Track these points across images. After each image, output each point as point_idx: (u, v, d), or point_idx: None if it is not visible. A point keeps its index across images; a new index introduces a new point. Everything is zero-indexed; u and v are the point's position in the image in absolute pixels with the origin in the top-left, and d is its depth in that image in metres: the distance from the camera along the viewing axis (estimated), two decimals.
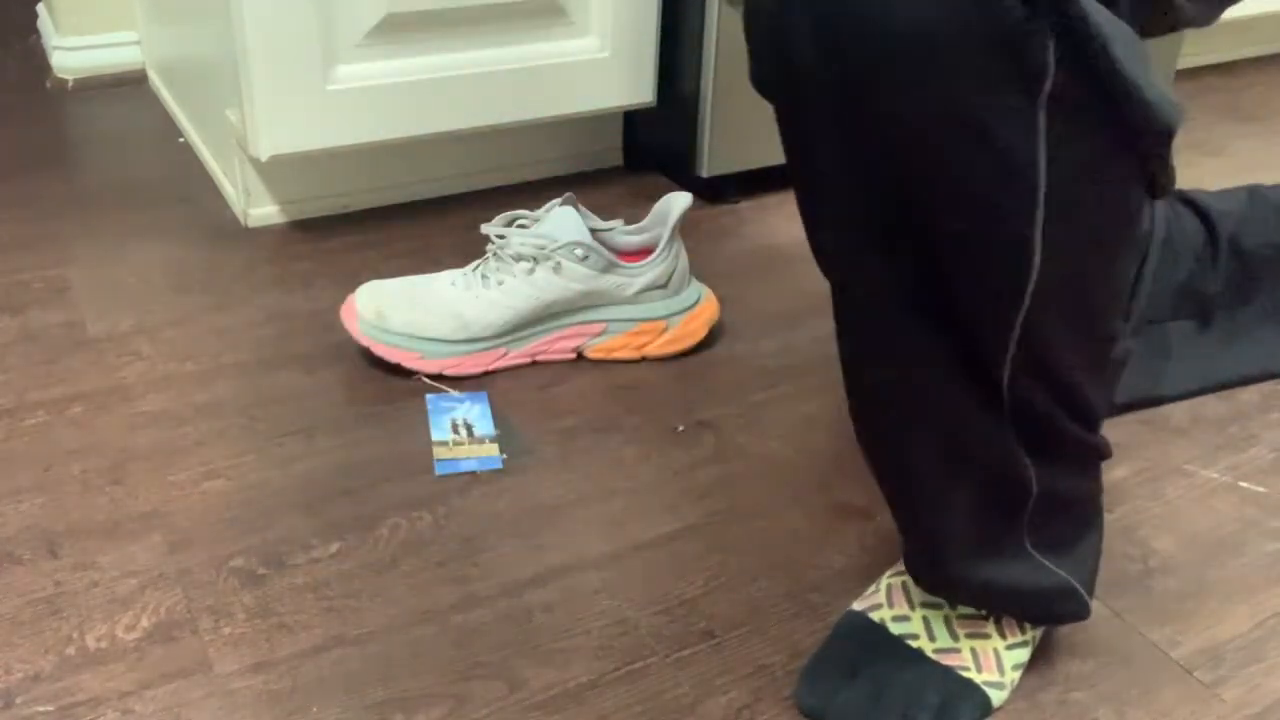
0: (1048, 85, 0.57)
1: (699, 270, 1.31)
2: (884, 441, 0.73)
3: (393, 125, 1.33)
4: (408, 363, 1.11)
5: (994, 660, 0.80)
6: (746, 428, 1.07)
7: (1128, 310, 1.10)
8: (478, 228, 1.16)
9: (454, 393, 1.10)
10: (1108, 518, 0.94)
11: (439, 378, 1.12)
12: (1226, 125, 1.83)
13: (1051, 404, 0.71)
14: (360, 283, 1.16)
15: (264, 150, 1.27)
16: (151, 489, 0.97)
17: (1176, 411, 1.12)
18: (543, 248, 1.10)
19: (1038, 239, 0.61)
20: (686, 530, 0.95)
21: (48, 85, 1.78)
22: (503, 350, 1.13)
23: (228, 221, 1.41)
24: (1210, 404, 1.13)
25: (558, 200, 1.13)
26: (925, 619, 0.82)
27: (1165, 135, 0.61)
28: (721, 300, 1.24)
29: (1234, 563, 0.94)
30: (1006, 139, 0.58)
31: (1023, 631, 0.82)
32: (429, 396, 1.09)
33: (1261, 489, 1.02)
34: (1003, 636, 0.81)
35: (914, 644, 0.81)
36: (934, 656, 0.81)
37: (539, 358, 1.15)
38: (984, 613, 0.82)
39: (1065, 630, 0.86)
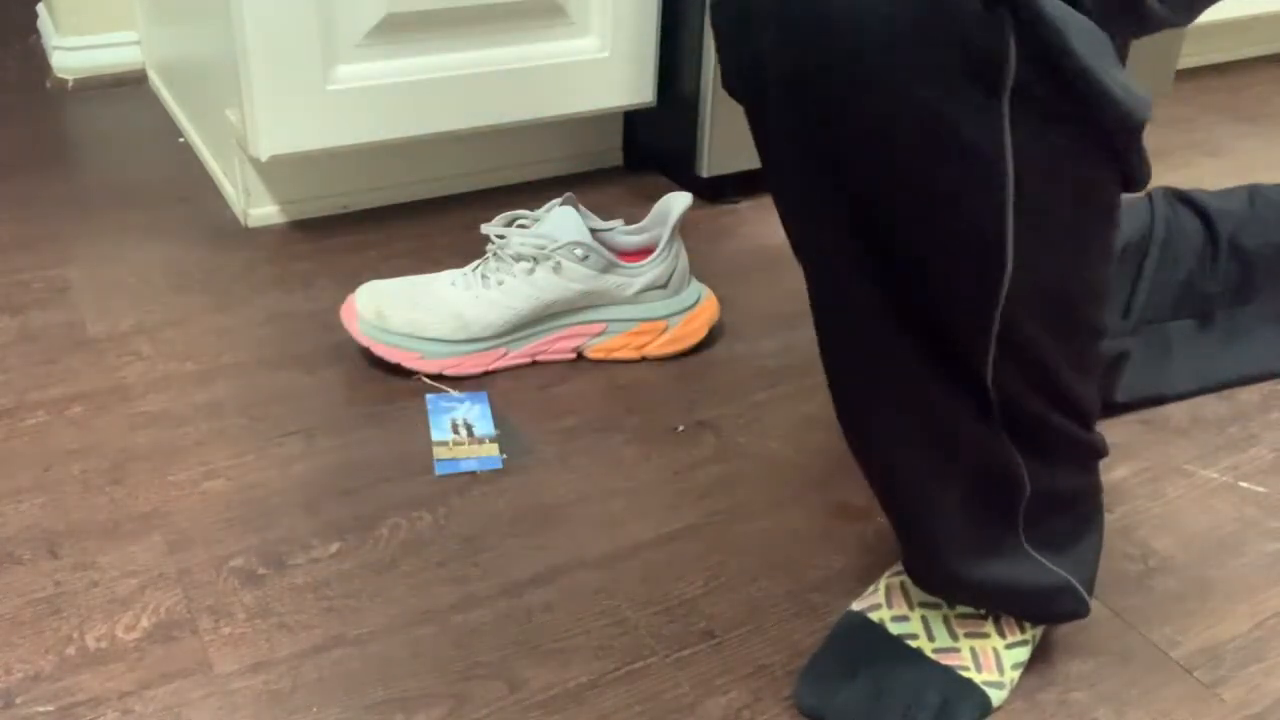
0: (1009, 79, 0.57)
1: (699, 270, 1.31)
2: (867, 438, 0.73)
3: (393, 125, 1.33)
4: (408, 363, 1.11)
5: (993, 660, 0.80)
6: (746, 428, 1.07)
7: (1126, 308, 1.10)
8: (478, 228, 1.16)
9: (454, 393, 1.10)
10: (1108, 518, 0.93)
11: (439, 378, 1.12)
12: (1226, 125, 1.83)
13: (1040, 400, 0.70)
14: (360, 283, 1.16)
15: (264, 150, 1.27)
16: (151, 489, 0.97)
17: (1176, 411, 1.12)
18: (543, 248, 1.10)
19: (1010, 234, 0.61)
20: (686, 530, 0.95)
21: (48, 85, 1.78)
22: (503, 350, 1.13)
23: (228, 221, 1.41)
24: (1210, 404, 1.13)
25: (558, 200, 1.13)
26: (924, 619, 0.82)
27: (1132, 128, 0.61)
28: (721, 300, 1.24)
29: (1234, 563, 0.94)
30: (971, 134, 0.58)
31: (1022, 631, 0.82)
32: (429, 396, 1.09)
33: (1261, 489, 1.02)
34: (1002, 636, 0.81)
35: (913, 644, 0.81)
36: (933, 656, 0.81)
37: (539, 358, 1.15)
38: (983, 612, 0.82)
39: (1065, 630, 0.86)
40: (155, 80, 1.78)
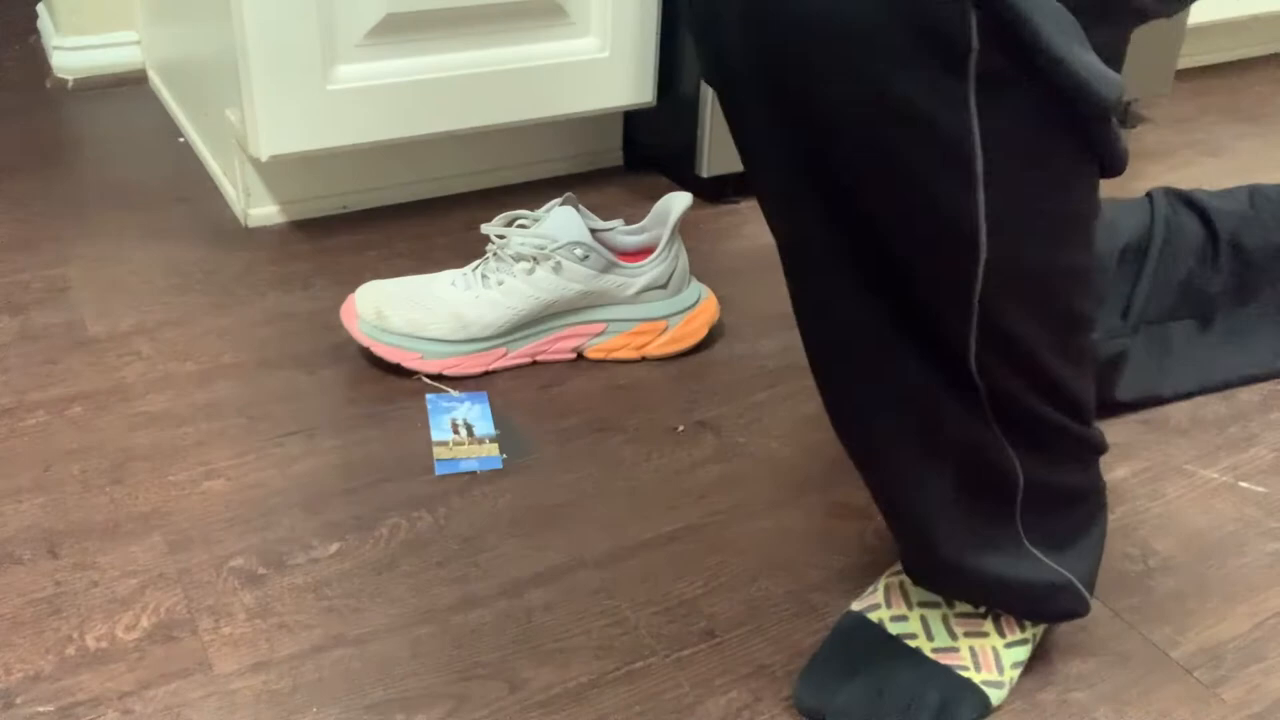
0: (973, 61, 0.57)
1: (699, 270, 1.31)
2: (854, 427, 0.73)
3: (393, 125, 1.33)
4: (408, 363, 1.11)
5: (992, 659, 0.80)
6: (746, 428, 1.07)
7: (1126, 308, 1.10)
8: (478, 228, 1.16)
9: (454, 393, 1.10)
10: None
11: (439, 378, 1.12)
12: (1226, 125, 1.83)
13: (1031, 393, 0.70)
14: (360, 283, 1.16)
15: (264, 150, 1.27)
16: (151, 489, 0.97)
17: (1176, 411, 1.12)
18: (543, 248, 1.10)
19: (982, 216, 0.61)
20: (686, 530, 0.95)
21: (48, 85, 1.78)
22: (503, 350, 1.13)
23: (228, 221, 1.41)
24: (1210, 404, 1.13)
25: (558, 200, 1.13)
26: (923, 618, 0.82)
27: (1101, 110, 0.60)
28: (721, 300, 1.24)
29: (1234, 563, 0.94)
30: (936, 117, 0.58)
31: (1022, 630, 0.82)
32: (429, 396, 1.09)
33: (1261, 489, 1.02)
34: (1001, 635, 0.81)
35: (912, 643, 0.81)
36: (932, 656, 0.81)
37: (539, 358, 1.15)
38: (982, 611, 0.81)
39: (1065, 630, 0.86)
40: (155, 80, 1.78)
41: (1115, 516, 0.98)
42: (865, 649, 0.82)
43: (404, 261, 1.33)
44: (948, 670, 0.80)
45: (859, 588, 0.89)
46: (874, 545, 0.94)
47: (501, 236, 1.12)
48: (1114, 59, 0.74)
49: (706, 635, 0.85)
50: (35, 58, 1.88)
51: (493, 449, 1.03)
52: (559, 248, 1.10)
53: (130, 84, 1.80)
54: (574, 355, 1.16)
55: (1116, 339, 1.09)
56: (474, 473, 1.00)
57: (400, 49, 1.30)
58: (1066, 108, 0.60)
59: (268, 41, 1.22)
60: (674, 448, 1.05)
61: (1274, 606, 0.90)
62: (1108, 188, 1.64)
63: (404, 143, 1.36)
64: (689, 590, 0.89)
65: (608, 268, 1.12)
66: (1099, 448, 0.77)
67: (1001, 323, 0.66)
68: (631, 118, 1.57)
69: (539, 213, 1.13)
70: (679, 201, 1.14)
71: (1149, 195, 1.15)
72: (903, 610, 0.83)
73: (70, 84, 1.78)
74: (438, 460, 1.01)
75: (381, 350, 1.11)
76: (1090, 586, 0.80)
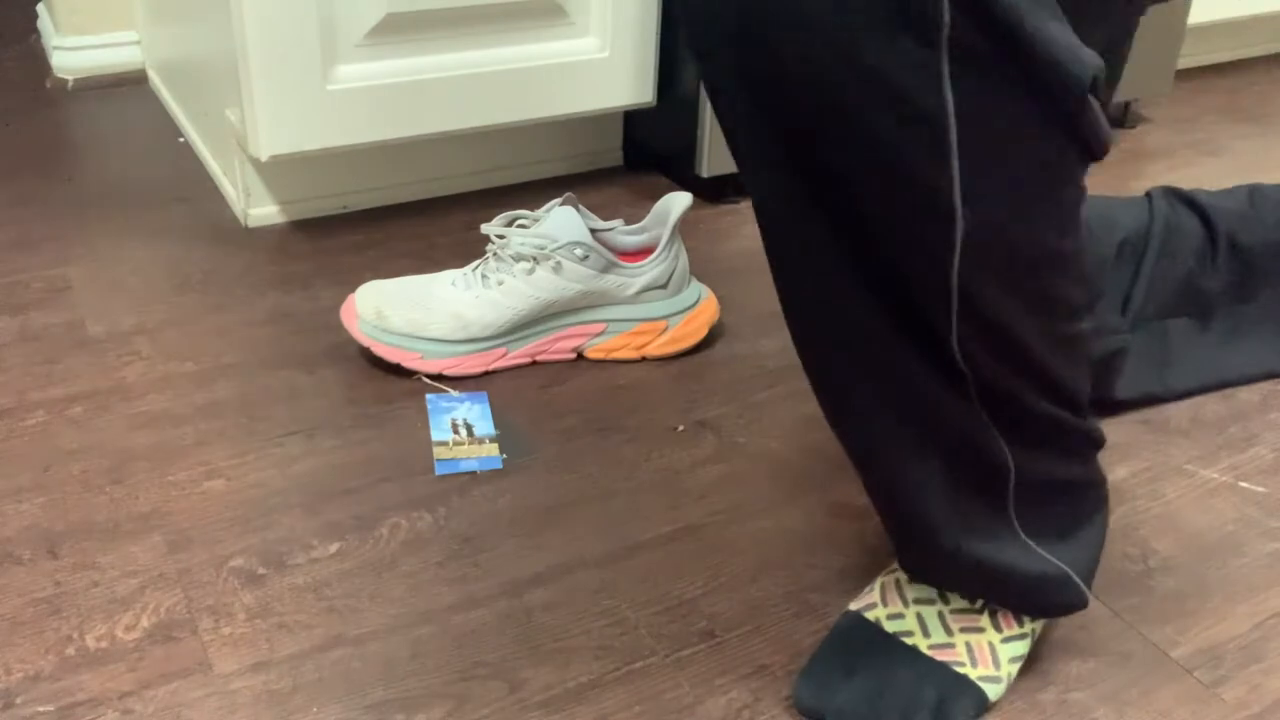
0: (945, 31, 0.57)
1: (699, 270, 1.31)
2: (843, 412, 0.73)
3: (393, 125, 1.33)
4: (408, 363, 1.11)
5: (989, 654, 0.80)
6: (746, 428, 1.07)
7: (1124, 304, 1.10)
8: (478, 228, 1.16)
9: (454, 393, 1.10)
10: None
11: (439, 378, 1.12)
12: (1226, 125, 1.83)
13: (1015, 379, 0.70)
14: (360, 283, 1.16)
15: (264, 150, 1.27)
16: (151, 489, 0.97)
17: (1176, 411, 1.12)
18: (543, 248, 1.10)
19: (957, 189, 0.61)
20: (686, 530, 0.95)
21: (48, 85, 1.78)
22: (503, 350, 1.13)
23: (228, 221, 1.41)
24: (1210, 404, 1.13)
25: (558, 200, 1.13)
26: (919, 615, 0.82)
27: (1075, 86, 0.60)
28: (721, 300, 1.24)
29: (1234, 563, 0.94)
30: (909, 87, 0.58)
31: (1020, 624, 0.81)
32: (429, 396, 1.09)
33: (1261, 489, 1.02)
34: (998, 630, 0.81)
35: (909, 641, 0.81)
36: (929, 653, 0.80)
37: (539, 358, 1.15)
38: (978, 606, 0.81)
39: (1065, 630, 0.86)
40: (155, 80, 1.78)
41: (1115, 516, 0.98)
42: (863, 648, 0.82)
43: (404, 261, 1.33)
44: (944, 667, 0.80)
45: (859, 587, 0.89)
46: (873, 545, 0.94)
47: (501, 236, 1.12)
48: (1115, 51, 0.74)
49: (706, 635, 0.85)
50: (35, 58, 1.88)
51: (493, 449, 1.03)
52: (559, 248, 1.10)
53: (130, 84, 1.80)
54: (574, 355, 1.16)
55: (1115, 335, 1.09)
56: (474, 473, 1.00)
57: (400, 49, 1.30)
58: (1042, 84, 0.60)
59: (267, 41, 1.22)
60: (674, 448, 1.05)
61: (1274, 606, 0.90)
62: (1107, 188, 1.64)
63: (404, 143, 1.36)
64: (689, 590, 0.89)
65: (608, 268, 1.12)
66: (1096, 441, 0.77)
67: (982, 303, 0.65)
68: (631, 118, 1.57)
69: (539, 213, 1.13)
70: (679, 201, 1.14)
71: (1148, 194, 1.15)
72: (899, 608, 0.83)
73: (70, 84, 1.78)
74: (438, 460, 1.01)
75: (381, 350, 1.11)
76: (1089, 580, 0.80)
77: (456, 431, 1.04)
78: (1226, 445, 1.07)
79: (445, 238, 1.38)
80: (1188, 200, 1.14)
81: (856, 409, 0.72)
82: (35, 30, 1.95)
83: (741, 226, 1.44)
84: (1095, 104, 0.62)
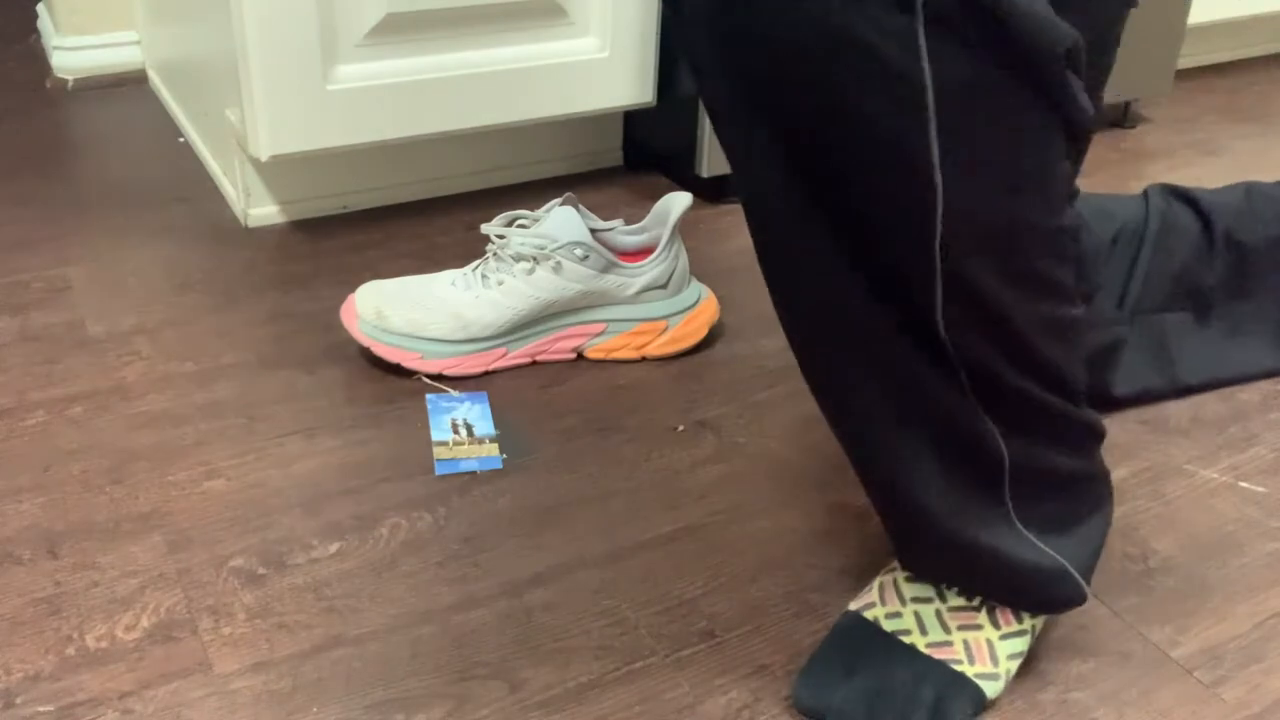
0: (921, 0, 0.57)
1: (699, 270, 1.31)
2: (833, 404, 0.73)
3: (393, 125, 1.33)
4: (408, 363, 1.11)
5: (987, 651, 0.80)
6: (746, 428, 1.07)
7: (1121, 297, 1.10)
8: (478, 228, 1.16)
9: (454, 393, 1.10)
10: None
11: (439, 378, 1.12)
12: (1226, 125, 1.83)
13: (1002, 361, 0.69)
14: (360, 283, 1.16)
15: (264, 150, 1.27)
16: (151, 489, 0.97)
17: (1176, 411, 1.12)
18: (543, 248, 1.10)
19: (936, 159, 0.61)
20: (686, 530, 0.95)
21: (48, 85, 1.78)
22: (503, 350, 1.13)
23: (228, 221, 1.41)
24: (1210, 404, 1.13)
25: (558, 200, 1.13)
26: (916, 613, 0.82)
27: (1051, 55, 0.60)
28: (721, 300, 1.24)
29: (1234, 563, 0.94)
30: (887, 55, 0.58)
31: (1018, 621, 0.81)
32: (429, 396, 1.09)
33: (1261, 489, 1.02)
34: (996, 627, 0.81)
35: (907, 639, 0.81)
36: (926, 651, 0.80)
37: (539, 358, 1.15)
38: (975, 603, 0.81)
39: (1065, 630, 0.86)
40: (155, 80, 1.78)
41: (1115, 516, 0.98)
42: (862, 648, 0.81)
43: (404, 261, 1.33)
44: (941, 665, 0.80)
45: (858, 587, 0.89)
46: (873, 545, 0.94)
47: (501, 236, 1.12)
48: (1099, 56, 0.74)
49: (706, 635, 0.85)
50: (35, 58, 1.88)
51: (493, 449, 1.03)
52: (559, 248, 1.10)
53: (130, 84, 1.80)
54: (574, 355, 1.16)
55: (1113, 327, 1.09)
56: (474, 473, 1.00)
57: (400, 49, 1.30)
58: (1019, 53, 0.60)
59: (267, 41, 1.22)
60: (674, 448, 1.05)
61: (1274, 606, 0.90)
62: (1106, 188, 1.64)
63: (404, 143, 1.36)
64: (689, 590, 0.89)
65: (608, 268, 1.12)
66: (1095, 433, 0.77)
67: (966, 277, 0.65)
68: (631, 118, 1.57)
69: (539, 213, 1.13)
70: (679, 201, 1.14)
71: (1145, 191, 1.15)
72: (896, 607, 0.83)
73: (70, 84, 1.78)
74: (438, 460, 1.01)
75: (381, 350, 1.11)
76: (1087, 576, 0.79)
77: (456, 431, 1.04)
78: (1226, 445, 1.07)
79: (445, 238, 1.38)
80: (1184, 196, 1.14)
81: (847, 396, 0.72)
82: (35, 30, 1.95)
83: (741, 226, 1.44)
84: (1074, 78, 0.62)
